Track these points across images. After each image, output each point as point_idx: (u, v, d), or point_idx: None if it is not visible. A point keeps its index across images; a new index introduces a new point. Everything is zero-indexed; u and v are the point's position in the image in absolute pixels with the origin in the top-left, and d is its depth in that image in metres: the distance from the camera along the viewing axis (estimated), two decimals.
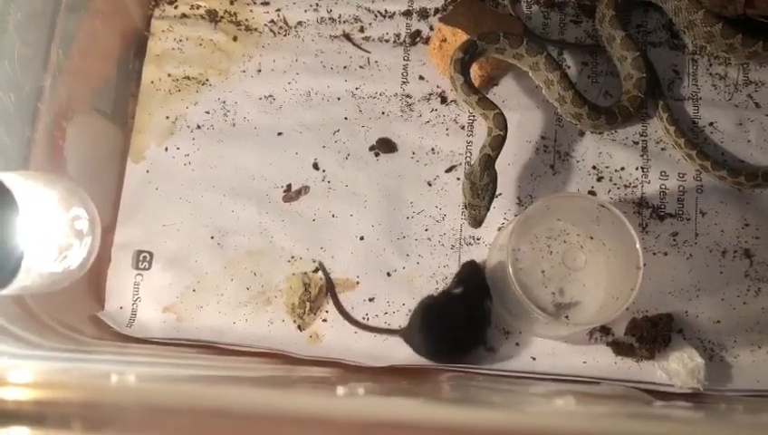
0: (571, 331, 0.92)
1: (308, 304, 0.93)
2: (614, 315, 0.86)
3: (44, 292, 0.72)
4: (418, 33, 1.04)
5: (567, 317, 0.91)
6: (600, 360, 0.92)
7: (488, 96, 0.97)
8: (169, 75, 1.02)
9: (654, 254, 0.96)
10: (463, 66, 0.95)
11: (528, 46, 0.96)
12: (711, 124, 1.01)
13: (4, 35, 0.76)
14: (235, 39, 1.04)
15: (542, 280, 0.92)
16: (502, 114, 0.93)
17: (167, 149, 0.99)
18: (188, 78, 1.02)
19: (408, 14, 1.05)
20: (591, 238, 0.93)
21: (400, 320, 0.93)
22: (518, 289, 0.85)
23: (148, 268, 0.95)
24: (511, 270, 0.85)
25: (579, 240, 0.93)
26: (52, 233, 0.68)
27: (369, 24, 1.05)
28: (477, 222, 0.91)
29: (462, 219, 0.97)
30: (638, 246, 0.85)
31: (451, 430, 0.55)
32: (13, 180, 0.66)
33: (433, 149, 1.00)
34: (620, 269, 0.89)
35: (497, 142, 0.92)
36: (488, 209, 0.91)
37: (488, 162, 0.91)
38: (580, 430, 0.58)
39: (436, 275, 0.96)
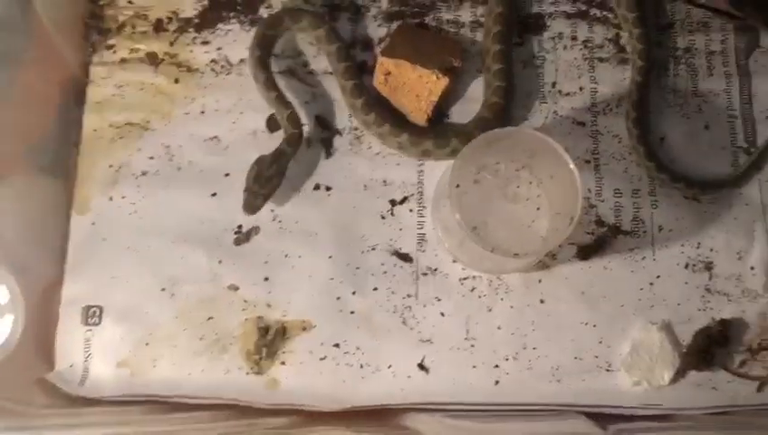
0: (520, 262, 0.91)
1: (264, 349, 0.91)
2: (557, 243, 0.88)
3: None
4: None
5: (516, 252, 0.88)
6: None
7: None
8: (111, 123, 0.99)
9: (611, 271, 0.95)
10: (263, 63, 0.97)
11: (328, 32, 0.99)
12: (662, 139, 1.00)
13: None
14: (176, 81, 1.02)
15: (485, 215, 0.91)
16: (295, 113, 0.96)
17: (112, 199, 0.97)
18: (131, 124, 1.00)
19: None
20: (530, 172, 0.92)
21: (358, 360, 0.91)
22: (463, 225, 0.84)
23: (99, 323, 0.93)
24: (456, 210, 0.84)
25: (518, 174, 0.93)
26: None
27: (314, 57, 1.03)
28: (252, 209, 0.93)
29: (418, 250, 0.96)
30: (572, 166, 0.85)
31: None
32: None
33: (385, 181, 0.98)
34: (561, 199, 0.89)
35: (293, 139, 0.95)
36: (265, 200, 0.93)
37: (280, 156, 0.94)
38: None
39: (398, 308, 0.94)
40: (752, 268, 0.95)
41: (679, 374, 0.91)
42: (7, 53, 0.90)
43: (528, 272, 0.94)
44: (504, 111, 0.97)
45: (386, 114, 0.97)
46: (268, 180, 0.92)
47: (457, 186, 0.88)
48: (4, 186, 0.85)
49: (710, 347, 0.91)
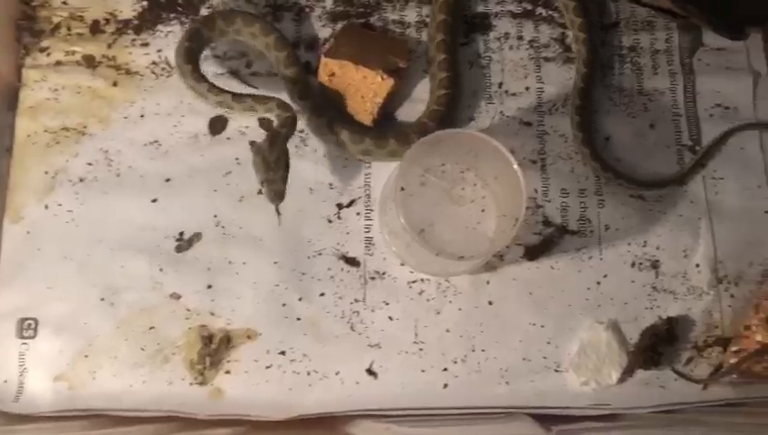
0: (467, 265, 0.91)
1: (208, 358, 0.89)
2: (502, 245, 0.88)
3: None
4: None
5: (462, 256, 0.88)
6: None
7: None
8: (46, 128, 0.96)
9: (558, 270, 0.95)
10: (190, 54, 0.94)
11: (263, 26, 0.97)
12: (607, 138, 1.00)
13: None
14: (115, 84, 0.99)
15: (431, 217, 0.91)
16: (281, 100, 0.92)
17: (47, 207, 0.94)
18: (67, 129, 0.96)
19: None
20: (476, 173, 0.92)
21: (305, 368, 0.90)
22: (408, 229, 0.83)
23: (34, 336, 0.89)
24: (401, 211, 0.83)
25: (463, 176, 0.92)
26: None
27: (256, 59, 1.01)
28: (279, 196, 0.87)
29: (365, 254, 0.94)
30: (515, 167, 0.85)
31: None
32: None
33: (331, 184, 0.97)
34: (507, 201, 0.89)
35: (288, 122, 0.91)
36: (285, 182, 0.87)
37: (275, 137, 0.89)
38: None
39: (345, 313, 0.93)
40: (697, 266, 0.96)
41: (627, 373, 0.91)
42: None
43: (476, 274, 0.94)
44: (445, 119, 0.96)
45: (329, 114, 0.96)
46: (277, 162, 0.87)
47: (402, 189, 0.87)
48: None
49: (657, 345, 0.91)
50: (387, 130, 0.96)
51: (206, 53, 0.99)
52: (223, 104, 0.94)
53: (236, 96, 0.93)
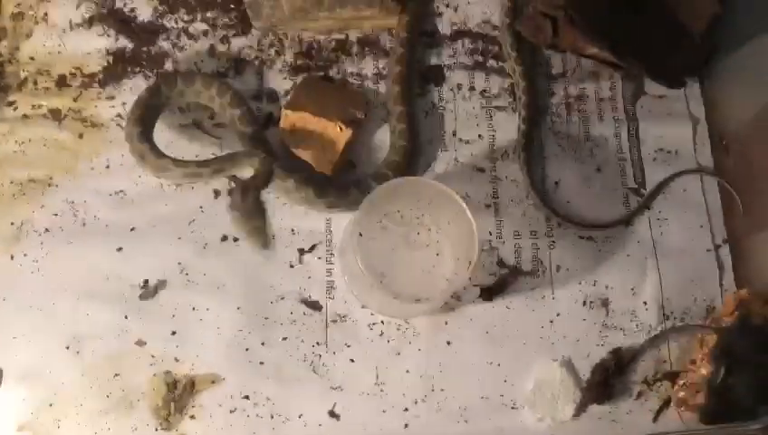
0: (426, 306, 0.94)
1: (173, 404, 0.90)
2: (457, 287, 0.92)
3: None
4: (270, 115, 1.05)
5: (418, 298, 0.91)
6: None
7: None
8: (12, 180, 0.98)
9: (513, 310, 0.98)
10: (146, 135, 0.94)
11: (220, 87, 0.99)
12: (557, 182, 1.05)
13: None
14: (81, 136, 1.01)
15: (388, 262, 0.94)
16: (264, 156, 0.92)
17: (13, 257, 0.95)
18: (33, 181, 0.99)
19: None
20: (429, 218, 0.95)
21: (269, 411, 0.92)
22: (367, 273, 0.86)
23: None
24: (359, 257, 0.86)
25: (419, 221, 0.95)
26: None
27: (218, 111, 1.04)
28: (265, 245, 0.88)
29: (327, 297, 0.97)
30: (468, 215, 0.89)
31: None
32: None
33: (293, 230, 1.00)
34: (460, 244, 0.92)
35: (260, 174, 0.91)
36: (267, 226, 0.89)
37: (246, 190, 0.89)
38: None
39: (307, 357, 0.95)
40: (645, 303, 1.00)
41: (581, 408, 0.94)
42: None
43: (434, 315, 0.97)
44: (403, 169, 1.00)
45: (290, 170, 0.98)
46: (253, 212, 0.88)
47: (360, 234, 0.90)
48: None
49: (608, 379, 0.95)
50: (348, 182, 1.00)
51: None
52: (191, 175, 0.94)
53: (211, 162, 0.93)
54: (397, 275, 0.94)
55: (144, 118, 0.96)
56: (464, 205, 0.89)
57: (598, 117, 1.09)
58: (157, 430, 0.90)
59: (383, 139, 1.05)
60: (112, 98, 1.04)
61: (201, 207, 0.99)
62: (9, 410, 0.89)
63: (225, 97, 0.99)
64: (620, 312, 1.00)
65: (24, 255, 0.96)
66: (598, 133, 1.08)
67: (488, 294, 0.98)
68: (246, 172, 0.92)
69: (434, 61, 1.10)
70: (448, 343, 0.96)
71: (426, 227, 0.94)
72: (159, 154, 0.93)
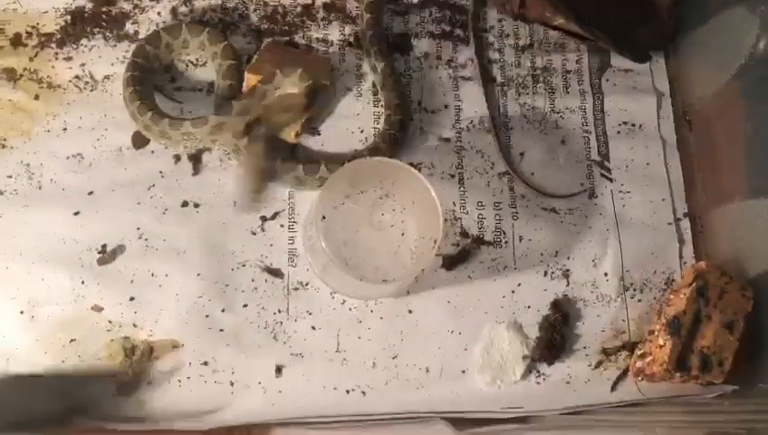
0: (389, 288, 0.94)
1: (130, 370, 0.89)
2: (422, 267, 0.92)
3: None
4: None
5: (385, 279, 0.91)
6: None
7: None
8: None
9: (475, 280, 0.98)
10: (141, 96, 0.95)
11: (210, 35, 1.00)
12: (522, 154, 1.05)
13: None
14: (36, 97, 0.99)
15: (352, 243, 0.92)
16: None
17: None
18: None
19: None
20: (393, 198, 0.94)
21: (228, 378, 0.91)
22: (332, 256, 0.86)
23: None
24: (322, 239, 0.86)
25: (382, 202, 0.94)
26: None
27: (181, 73, 1.02)
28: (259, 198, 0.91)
29: (289, 265, 0.96)
30: (433, 194, 0.88)
31: None
32: None
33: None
34: (424, 223, 0.92)
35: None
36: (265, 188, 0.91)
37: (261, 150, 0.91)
38: None
39: (268, 324, 0.94)
40: (605, 274, 1.01)
41: (531, 369, 0.95)
42: None
43: (397, 298, 0.96)
44: (398, 141, 1.00)
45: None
46: (267, 172, 0.91)
47: (324, 217, 0.89)
48: None
49: (554, 333, 0.96)
50: (318, 158, 0.99)
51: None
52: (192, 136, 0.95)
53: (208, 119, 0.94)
54: (362, 257, 0.92)
55: (138, 77, 0.96)
56: (428, 185, 0.88)
57: (564, 89, 1.09)
58: (114, 395, 0.89)
59: (347, 106, 1.04)
60: (70, 59, 1.01)
61: (161, 172, 0.98)
62: None
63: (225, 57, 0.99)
64: (581, 283, 1.00)
65: None
66: (563, 105, 1.09)
67: (450, 263, 0.98)
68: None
69: (400, 29, 1.09)
70: (410, 311, 0.96)
71: (389, 208, 0.94)
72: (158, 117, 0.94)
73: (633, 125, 1.09)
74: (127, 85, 0.96)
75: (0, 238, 0.93)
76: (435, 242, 0.87)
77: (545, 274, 1.00)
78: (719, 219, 1.03)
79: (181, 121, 0.94)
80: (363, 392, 0.93)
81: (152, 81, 1.00)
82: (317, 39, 1.07)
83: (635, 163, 1.07)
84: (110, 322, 0.91)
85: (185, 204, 0.97)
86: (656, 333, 0.95)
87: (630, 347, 0.98)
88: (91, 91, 1.00)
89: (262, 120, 0.95)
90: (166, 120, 0.94)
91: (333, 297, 0.96)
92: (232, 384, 0.91)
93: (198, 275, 0.94)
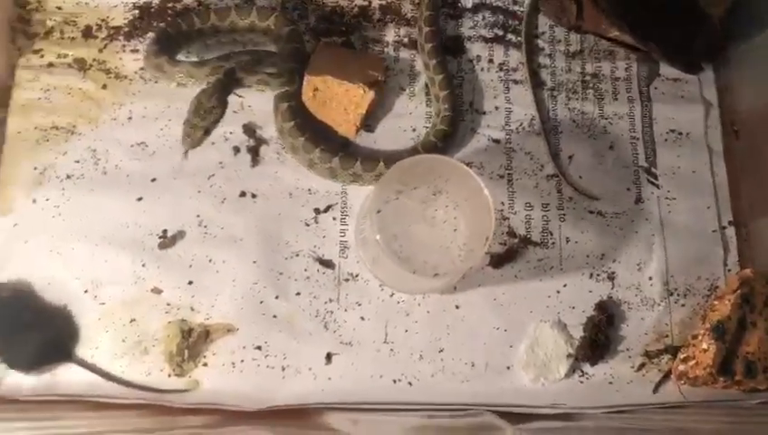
0: (438, 283, 0.96)
1: (186, 351, 0.93)
2: (473, 263, 0.93)
3: None
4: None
5: (436, 273, 0.92)
6: None
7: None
8: (36, 126, 1.00)
9: (521, 279, 1.00)
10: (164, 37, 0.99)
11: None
12: (571, 157, 1.07)
13: None
14: (104, 87, 1.03)
15: (405, 238, 0.94)
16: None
17: (35, 201, 0.97)
18: (57, 128, 1.00)
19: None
20: (447, 195, 0.96)
21: (280, 363, 0.94)
22: (386, 249, 0.88)
23: None
24: (376, 232, 0.88)
25: (435, 198, 0.96)
26: None
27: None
28: (192, 142, 0.91)
29: (340, 256, 0.99)
30: (486, 192, 0.90)
31: None
32: None
33: (309, 190, 1.02)
34: (475, 220, 0.93)
35: (229, 72, 0.95)
36: (206, 134, 0.92)
37: (220, 87, 0.93)
38: None
39: (319, 313, 0.97)
40: (650, 278, 1.02)
41: (575, 368, 0.97)
42: None
43: (443, 294, 0.98)
44: (449, 138, 1.03)
45: (316, 139, 1.00)
46: (208, 112, 0.91)
47: (379, 211, 0.91)
48: None
49: (598, 334, 0.98)
50: (377, 154, 1.02)
51: None
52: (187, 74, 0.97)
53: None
54: (413, 251, 0.94)
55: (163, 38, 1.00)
56: (481, 183, 0.90)
57: (612, 95, 1.11)
58: (170, 375, 0.92)
59: (402, 106, 1.07)
60: (136, 51, 1.05)
61: (221, 163, 1.01)
62: None
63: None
64: (625, 286, 1.02)
65: (46, 199, 0.97)
66: (611, 111, 1.10)
67: (498, 262, 1.01)
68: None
69: (454, 32, 1.12)
70: (457, 307, 0.99)
71: (443, 204, 0.96)
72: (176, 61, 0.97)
73: (680, 133, 1.10)
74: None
75: (67, 220, 0.97)
76: (486, 239, 0.89)
77: (590, 276, 1.02)
78: (765, 228, 1.04)
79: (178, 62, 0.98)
80: (410, 383, 0.95)
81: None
82: (372, 39, 1.10)
83: (681, 170, 1.08)
84: (168, 304, 0.95)
85: (242, 194, 1.00)
86: (699, 337, 0.96)
87: (673, 351, 0.99)
88: (156, 82, 1.04)
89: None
90: (164, 57, 0.97)
91: (382, 289, 0.99)
92: (283, 369, 0.94)
93: (254, 262, 0.97)
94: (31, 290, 0.93)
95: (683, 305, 1.01)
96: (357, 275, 0.99)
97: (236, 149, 1.02)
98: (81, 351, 0.92)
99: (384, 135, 1.05)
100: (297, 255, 0.99)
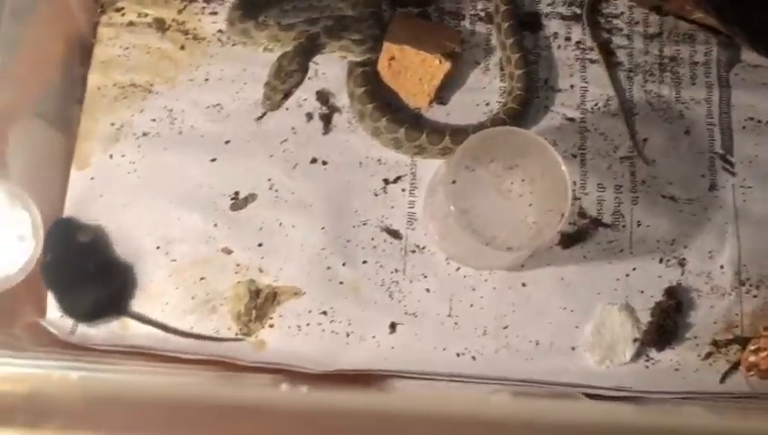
0: (508, 259, 0.95)
1: (254, 311, 0.94)
2: (547, 238, 0.92)
3: None
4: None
5: (509, 247, 0.91)
6: None
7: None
8: (115, 83, 1.02)
9: (590, 260, 0.99)
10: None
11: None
12: (645, 139, 1.05)
13: None
14: (182, 48, 1.04)
15: (478, 211, 0.93)
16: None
17: (111, 157, 0.99)
18: (135, 85, 1.02)
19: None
20: (523, 169, 0.95)
21: (344, 329, 0.95)
22: (460, 220, 0.88)
23: None
24: (451, 203, 0.88)
25: (511, 172, 0.94)
26: None
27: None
28: (271, 104, 0.92)
29: (408, 228, 0.99)
30: (563, 168, 0.89)
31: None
32: None
33: (379, 160, 1.02)
34: (549, 196, 0.92)
35: (312, 37, 0.95)
36: (285, 97, 0.92)
37: (302, 52, 0.93)
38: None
39: (385, 282, 0.97)
40: (721, 267, 1.00)
41: (641, 352, 0.96)
42: (20, 8, 0.91)
43: (510, 271, 0.98)
44: (520, 117, 1.02)
45: (385, 108, 1.00)
46: (289, 75, 0.91)
47: (454, 182, 0.91)
48: (14, 129, 0.86)
49: (666, 319, 0.96)
50: (444, 128, 1.01)
51: None
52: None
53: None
54: (485, 225, 0.92)
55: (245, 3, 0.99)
56: (559, 158, 0.89)
57: (690, 80, 1.08)
58: (236, 333, 0.94)
59: (476, 80, 1.06)
60: (215, 14, 1.06)
61: (293, 129, 1.02)
62: None
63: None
64: (696, 273, 1.00)
65: (122, 155, 0.99)
66: (689, 96, 1.08)
67: (567, 241, 0.99)
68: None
69: (531, 8, 1.10)
70: (523, 284, 0.98)
71: (519, 178, 0.95)
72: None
73: (759, 121, 1.07)
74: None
75: (141, 177, 0.98)
76: (562, 216, 0.88)
77: (660, 260, 1.00)
78: None
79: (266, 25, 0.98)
80: (473, 357, 0.95)
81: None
82: (448, 12, 1.09)
83: (759, 159, 1.05)
84: (237, 264, 0.96)
85: (314, 160, 1.01)
86: None
87: (742, 341, 0.97)
88: (233, 45, 1.04)
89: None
90: (251, 21, 0.97)
91: (448, 263, 0.98)
92: (347, 335, 0.95)
93: (322, 228, 0.98)
94: (106, 241, 0.95)
95: (755, 296, 0.99)
96: (423, 248, 0.99)
97: (309, 116, 1.02)
98: (151, 305, 0.94)
99: (457, 108, 1.04)
100: (365, 223, 0.99)
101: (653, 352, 0.96)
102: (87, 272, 0.93)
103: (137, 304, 0.94)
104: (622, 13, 1.11)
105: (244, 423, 0.56)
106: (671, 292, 0.98)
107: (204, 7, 1.06)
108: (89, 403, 0.55)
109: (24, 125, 0.91)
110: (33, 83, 0.95)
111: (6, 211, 0.67)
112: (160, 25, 1.05)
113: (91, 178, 0.98)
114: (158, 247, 0.96)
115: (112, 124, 1.00)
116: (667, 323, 0.96)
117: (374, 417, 0.58)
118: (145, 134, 1.00)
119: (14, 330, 0.86)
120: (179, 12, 1.05)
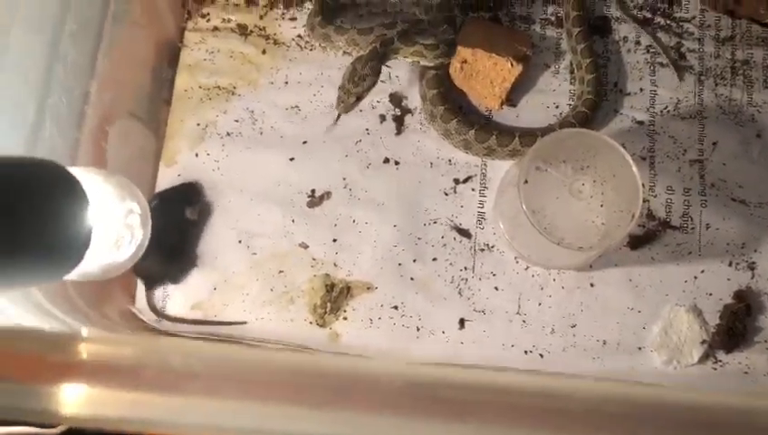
0: (577, 259, 0.97)
1: (329, 304, 0.98)
2: (618, 238, 0.93)
3: (96, 280, 0.77)
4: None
5: (580, 246, 0.92)
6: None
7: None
8: (201, 85, 1.07)
9: (658, 262, 1.00)
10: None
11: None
12: (715, 143, 1.05)
13: (60, 43, 0.81)
14: (263, 52, 1.09)
15: (549, 210, 0.95)
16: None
17: (197, 155, 1.04)
18: (219, 88, 1.07)
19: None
20: (594, 170, 0.96)
21: (415, 323, 0.98)
22: (532, 219, 0.90)
23: None
24: (524, 203, 0.90)
25: (582, 172, 0.96)
26: (110, 224, 0.72)
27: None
28: (345, 107, 0.96)
29: (477, 227, 1.02)
30: (634, 169, 0.90)
31: None
32: (80, 174, 0.70)
33: (450, 160, 1.05)
34: (620, 197, 0.94)
35: (386, 42, 0.99)
36: (358, 100, 0.96)
37: (375, 56, 0.97)
38: None
39: (455, 279, 1.00)
40: None
41: (709, 354, 0.96)
42: (118, 14, 0.97)
43: (578, 271, 1.00)
44: (589, 121, 1.03)
45: (455, 110, 1.03)
46: (362, 79, 0.95)
47: (526, 181, 0.93)
48: (113, 128, 0.92)
49: (735, 322, 0.96)
50: (513, 130, 1.04)
51: None
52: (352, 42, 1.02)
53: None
54: (556, 224, 0.94)
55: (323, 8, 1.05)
56: (630, 160, 0.90)
57: (763, 83, 1.08)
58: (311, 324, 0.98)
59: (546, 83, 1.08)
60: (294, 19, 1.11)
61: (367, 130, 1.06)
62: (185, 291, 0.99)
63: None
64: (766, 277, 1.00)
65: (207, 154, 1.04)
66: (761, 100, 1.08)
67: (636, 243, 1.01)
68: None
69: (601, 12, 1.12)
70: (591, 284, 1.00)
71: (590, 179, 0.96)
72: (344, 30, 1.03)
73: None
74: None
75: (225, 174, 1.04)
76: (633, 216, 0.89)
77: (730, 264, 1.00)
78: None
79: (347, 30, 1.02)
80: (541, 355, 0.97)
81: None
82: (519, 16, 1.11)
83: None
84: (314, 259, 1.00)
85: (386, 160, 1.04)
86: None
87: None
88: (311, 50, 1.09)
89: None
90: (331, 26, 1.03)
91: (517, 262, 1.01)
92: (418, 329, 0.98)
93: (394, 226, 1.02)
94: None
95: None
96: (492, 247, 1.01)
97: (382, 118, 1.06)
98: (233, 295, 0.99)
99: (527, 111, 1.07)
100: (435, 222, 1.02)
101: (721, 355, 0.97)
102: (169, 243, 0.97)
103: (219, 294, 0.99)
104: (694, 17, 1.12)
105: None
106: (741, 295, 0.98)
107: (283, 13, 1.11)
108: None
109: (121, 124, 0.97)
110: (129, 84, 1.01)
111: (117, 202, 0.72)
112: (243, 30, 1.10)
113: (178, 175, 1.03)
114: (239, 241, 1.01)
115: (198, 124, 1.06)
116: (736, 326, 0.97)
117: None
118: (228, 134, 1.05)
119: (106, 312, 0.92)
120: (261, 18, 1.11)
